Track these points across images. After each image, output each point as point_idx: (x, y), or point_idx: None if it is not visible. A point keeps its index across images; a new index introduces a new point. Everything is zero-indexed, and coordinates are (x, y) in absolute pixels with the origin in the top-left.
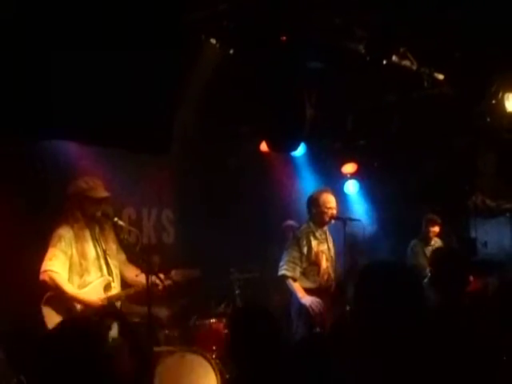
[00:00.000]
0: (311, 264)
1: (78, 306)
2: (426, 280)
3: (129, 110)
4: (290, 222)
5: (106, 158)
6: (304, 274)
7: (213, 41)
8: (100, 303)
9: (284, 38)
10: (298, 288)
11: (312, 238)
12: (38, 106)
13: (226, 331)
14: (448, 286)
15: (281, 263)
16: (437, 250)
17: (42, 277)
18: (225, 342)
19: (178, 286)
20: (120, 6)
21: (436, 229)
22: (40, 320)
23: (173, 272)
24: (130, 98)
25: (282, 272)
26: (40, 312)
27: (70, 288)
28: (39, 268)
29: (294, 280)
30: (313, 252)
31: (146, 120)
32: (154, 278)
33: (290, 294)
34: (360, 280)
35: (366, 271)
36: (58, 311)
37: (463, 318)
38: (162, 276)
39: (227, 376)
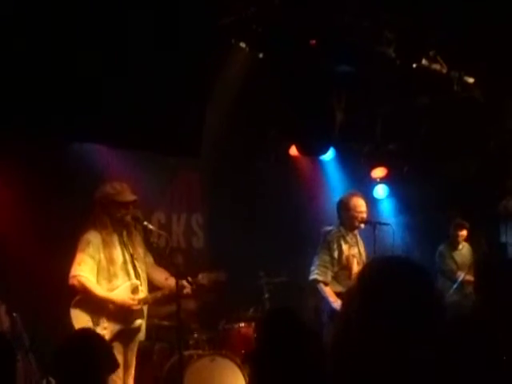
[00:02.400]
0: (342, 268)
1: (108, 309)
2: (455, 286)
3: (158, 113)
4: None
5: (136, 162)
6: (335, 278)
7: (242, 45)
8: (131, 302)
9: (313, 41)
10: (329, 292)
11: (343, 242)
12: (69, 109)
13: (255, 335)
14: (497, 295)
15: (312, 267)
16: (486, 257)
17: (72, 282)
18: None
19: (204, 290)
20: (150, 11)
21: (464, 233)
22: (68, 322)
23: (200, 276)
24: (159, 101)
25: (313, 276)
26: (68, 314)
27: (100, 290)
28: (67, 272)
29: (326, 284)
30: (344, 256)
31: (175, 123)
32: (182, 281)
33: (321, 298)
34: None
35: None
36: (85, 314)
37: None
38: (190, 279)
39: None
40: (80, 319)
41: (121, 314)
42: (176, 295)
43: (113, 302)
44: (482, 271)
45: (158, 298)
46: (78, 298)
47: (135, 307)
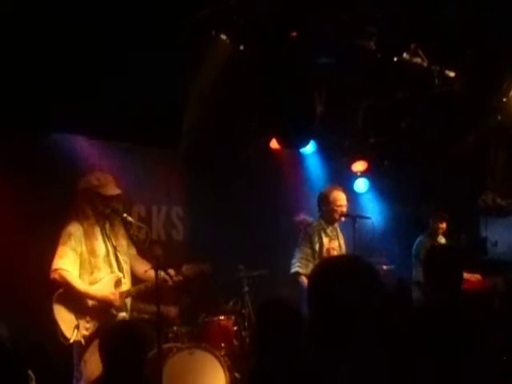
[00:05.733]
0: None
1: (90, 303)
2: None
3: (138, 104)
4: (302, 216)
5: (116, 153)
6: None
7: (223, 36)
8: (112, 297)
9: (294, 33)
10: None
11: (323, 235)
12: (50, 100)
13: (234, 328)
14: (443, 284)
15: (293, 260)
16: (431, 248)
17: (53, 275)
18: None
19: (188, 282)
20: (131, 4)
21: (444, 225)
22: (50, 315)
23: (184, 267)
24: (139, 93)
25: (294, 269)
26: (51, 309)
27: (81, 285)
28: (48, 265)
29: (307, 277)
30: (324, 249)
31: (155, 115)
32: (163, 273)
33: (302, 291)
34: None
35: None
36: (68, 308)
37: (457, 316)
38: (172, 272)
39: (236, 374)
40: (63, 313)
41: (104, 307)
42: (156, 287)
43: (94, 298)
44: (426, 261)
45: (142, 290)
46: (60, 291)
47: (117, 303)
